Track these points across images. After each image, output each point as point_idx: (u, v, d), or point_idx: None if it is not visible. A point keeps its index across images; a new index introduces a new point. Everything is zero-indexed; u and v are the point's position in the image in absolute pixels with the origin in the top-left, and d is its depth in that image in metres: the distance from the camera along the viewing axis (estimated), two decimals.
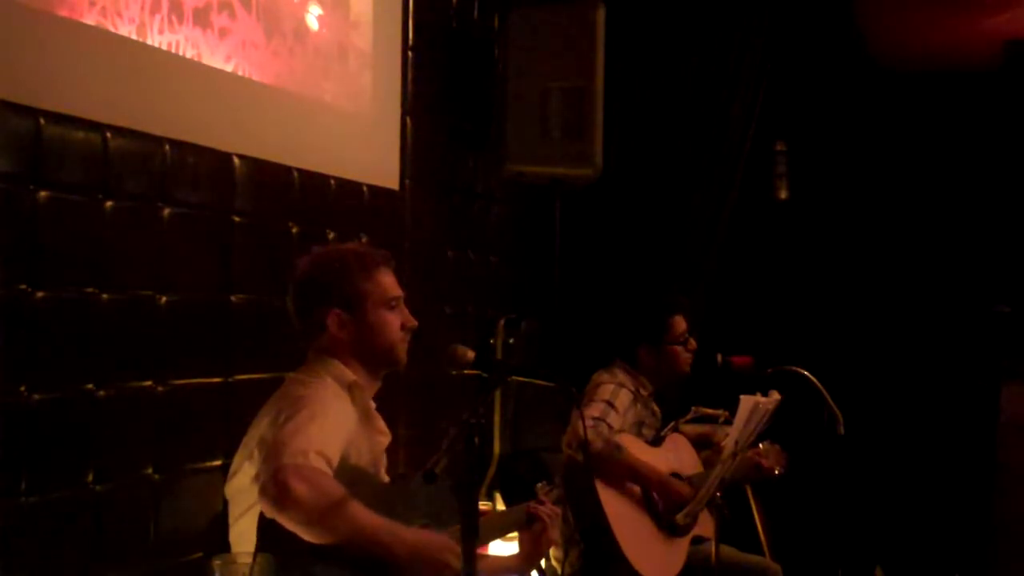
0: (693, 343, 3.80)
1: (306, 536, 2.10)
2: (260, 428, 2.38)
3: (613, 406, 3.51)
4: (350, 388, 2.47)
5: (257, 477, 2.24)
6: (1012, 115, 5.59)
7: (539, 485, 2.78)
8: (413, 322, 2.56)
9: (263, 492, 2.11)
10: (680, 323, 3.78)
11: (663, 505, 3.53)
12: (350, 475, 2.25)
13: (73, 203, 2.45)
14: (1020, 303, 5.53)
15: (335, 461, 2.23)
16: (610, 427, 3.43)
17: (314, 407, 2.29)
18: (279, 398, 2.42)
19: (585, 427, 3.28)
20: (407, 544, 2.17)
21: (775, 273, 5.65)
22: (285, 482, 2.07)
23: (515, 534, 2.84)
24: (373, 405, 2.57)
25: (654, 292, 4.31)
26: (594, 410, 3.45)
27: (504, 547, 3.21)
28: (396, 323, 2.52)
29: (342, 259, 2.53)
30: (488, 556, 3.05)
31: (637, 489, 3.52)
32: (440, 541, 2.23)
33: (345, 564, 2.14)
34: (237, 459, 2.48)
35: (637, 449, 3.52)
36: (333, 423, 2.31)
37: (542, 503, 2.72)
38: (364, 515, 2.14)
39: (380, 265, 2.53)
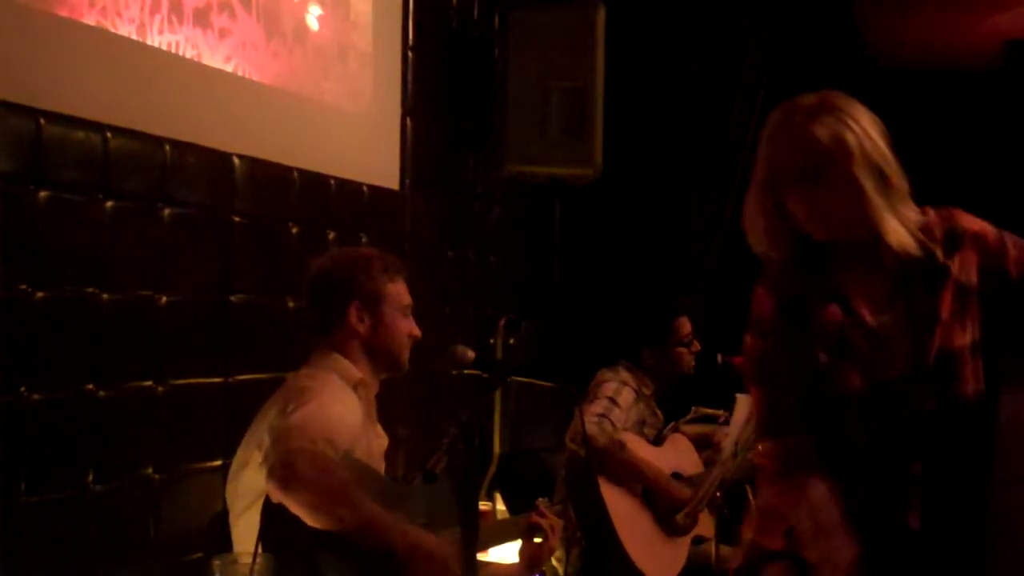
0: (697, 345, 3.81)
1: (310, 520, 2.12)
2: (268, 418, 2.40)
3: (616, 403, 3.52)
4: (356, 386, 2.50)
5: (266, 459, 2.26)
6: (1012, 115, 5.59)
7: (540, 500, 2.79)
8: (418, 332, 2.62)
9: (271, 474, 2.14)
10: (685, 325, 3.79)
11: (663, 505, 3.53)
12: (354, 469, 2.27)
13: (73, 203, 2.45)
14: (1021, 300, 5.53)
15: (340, 451, 2.25)
16: (613, 424, 3.44)
17: (322, 398, 2.32)
18: (286, 391, 2.44)
19: (584, 423, 3.29)
20: (408, 539, 2.19)
21: None
22: (293, 464, 2.11)
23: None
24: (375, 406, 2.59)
25: (660, 293, 4.31)
26: (597, 407, 3.46)
27: (505, 548, 3.21)
28: (406, 329, 2.57)
29: (366, 258, 2.59)
30: (488, 564, 3.05)
31: (639, 487, 3.52)
32: (442, 544, 2.24)
33: (348, 554, 2.15)
34: (242, 453, 2.49)
35: (639, 448, 3.53)
36: (340, 415, 2.34)
37: (543, 515, 2.73)
38: (367, 504, 2.16)
39: (398, 271, 2.61)
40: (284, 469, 2.11)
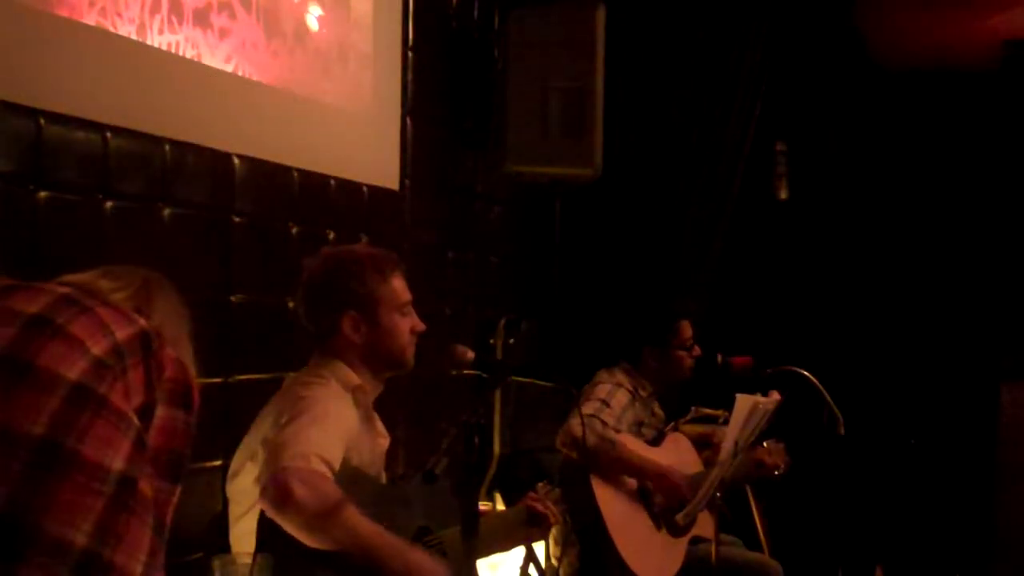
0: (698, 350, 3.81)
1: (304, 539, 2.10)
2: (263, 428, 2.38)
3: (608, 404, 3.51)
4: (354, 391, 2.47)
5: (259, 478, 2.24)
6: (1012, 115, 5.59)
7: (540, 484, 2.78)
8: (422, 326, 2.56)
9: (264, 493, 2.11)
10: (687, 328, 3.79)
11: (661, 500, 3.53)
12: (351, 476, 2.25)
13: (73, 203, 2.45)
14: (1019, 299, 5.54)
15: (336, 464, 2.22)
16: (604, 423, 3.44)
17: (316, 409, 2.29)
18: (281, 399, 2.42)
19: (574, 425, 3.28)
20: (404, 559, 2.15)
21: (775, 273, 5.65)
22: (286, 484, 2.07)
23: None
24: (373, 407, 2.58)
25: (664, 295, 4.32)
26: (589, 408, 3.46)
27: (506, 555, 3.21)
28: (407, 327, 2.52)
29: (358, 262, 2.52)
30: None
31: (634, 489, 3.52)
32: (437, 568, 2.22)
33: (345, 568, 2.14)
34: (238, 458, 2.47)
35: (636, 448, 3.52)
36: (335, 426, 2.30)
37: (539, 500, 2.72)
38: (363, 522, 2.13)
39: (394, 269, 2.53)
40: (277, 489, 2.08)
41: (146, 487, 1.31)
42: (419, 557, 2.19)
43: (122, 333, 1.36)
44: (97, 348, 1.32)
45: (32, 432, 1.22)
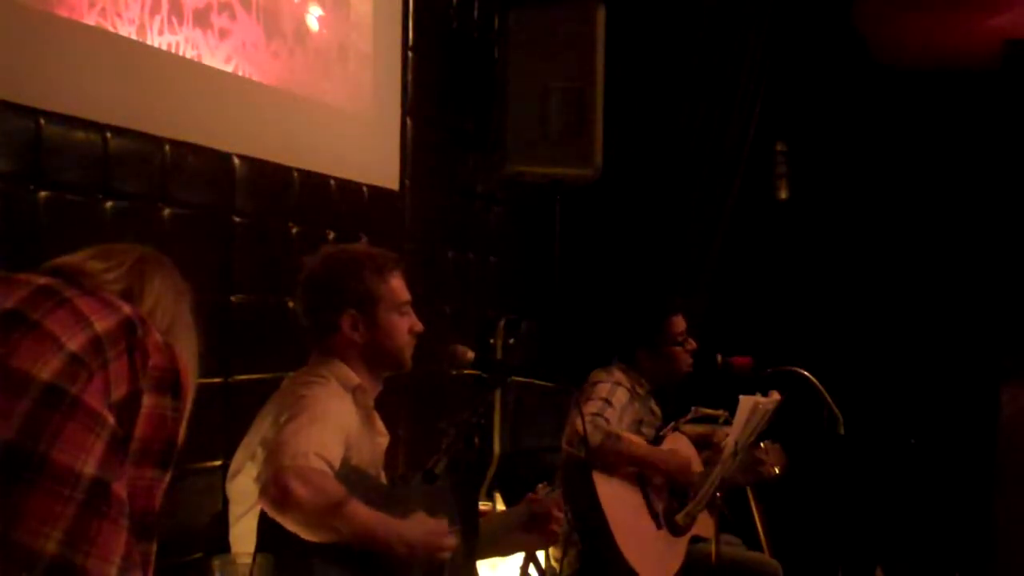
0: (692, 343, 3.80)
1: (307, 536, 2.11)
2: (263, 428, 2.38)
3: (610, 403, 3.51)
4: (353, 390, 2.47)
5: (259, 477, 2.24)
6: (1012, 115, 5.59)
7: (540, 486, 2.78)
8: (420, 326, 2.56)
9: (264, 493, 2.12)
10: (679, 323, 3.77)
11: (667, 491, 3.55)
12: (351, 476, 2.25)
13: (73, 203, 2.45)
14: (1020, 299, 5.54)
15: (336, 463, 2.23)
16: (607, 421, 3.44)
17: (316, 408, 2.29)
18: (281, 398, 2.42)
19: (584, 424, 3.29)
20: (404, 538, 2.18)
21: (775, 273, 5.65)
22: (286, 484, 2.08)
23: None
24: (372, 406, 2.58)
25: (650, 295, 4.31)
26: (591, 407, 3.46)
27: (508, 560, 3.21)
28: (405, 327, 2.52)
29: (357, 261, 2.52)
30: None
31: (636, 489, 3.52)
32: (433, 526, 2.23)
33: (343, 559, 2.14)
34: (239, 458, 2.47)
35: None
36: (335, 424, 2.31)
37: (542, 502, 2.72)
38: (363, 514, 2.14)
39: (393, 268, 2.53)
40: (277, 489, 2.08)
41: (120, 489, 1.29)
42: (415, 530, 2.20)
43: (102, 324, 1.34)
44: (73, 343, 1.29)
45: (2, 437, 1.21)
